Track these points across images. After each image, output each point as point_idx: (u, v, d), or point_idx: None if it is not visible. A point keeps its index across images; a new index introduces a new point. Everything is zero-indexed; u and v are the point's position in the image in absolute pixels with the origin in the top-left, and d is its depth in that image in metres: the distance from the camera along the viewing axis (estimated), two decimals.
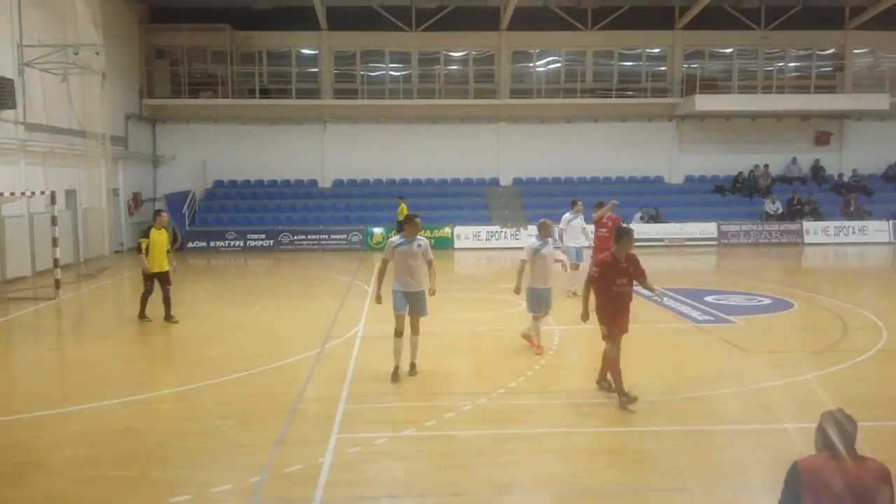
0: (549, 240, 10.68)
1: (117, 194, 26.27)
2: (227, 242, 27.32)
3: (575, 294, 14.66)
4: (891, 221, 28.22)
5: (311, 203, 29.86)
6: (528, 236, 27.39)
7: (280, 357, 10.64)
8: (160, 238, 13.60)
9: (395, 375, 9.31)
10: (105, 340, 12.65)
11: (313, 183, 30.86)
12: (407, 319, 9.40)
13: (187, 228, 27.83)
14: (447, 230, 26.92)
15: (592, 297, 8.35)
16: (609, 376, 8.46)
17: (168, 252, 13.79)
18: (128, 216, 27.26)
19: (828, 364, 9.97)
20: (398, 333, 9.30)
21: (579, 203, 15.97)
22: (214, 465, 6.76)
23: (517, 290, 10.63)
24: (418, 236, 9.40)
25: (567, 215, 15.75)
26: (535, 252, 10.52)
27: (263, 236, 27.51)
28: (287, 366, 10.28)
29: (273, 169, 30.47)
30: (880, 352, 10.67)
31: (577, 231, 15.74)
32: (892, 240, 27.80)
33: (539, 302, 10.71)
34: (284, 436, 7.42)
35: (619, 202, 16.01)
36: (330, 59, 30.82)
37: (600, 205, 14.90)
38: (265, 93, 30.55)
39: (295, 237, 27.53)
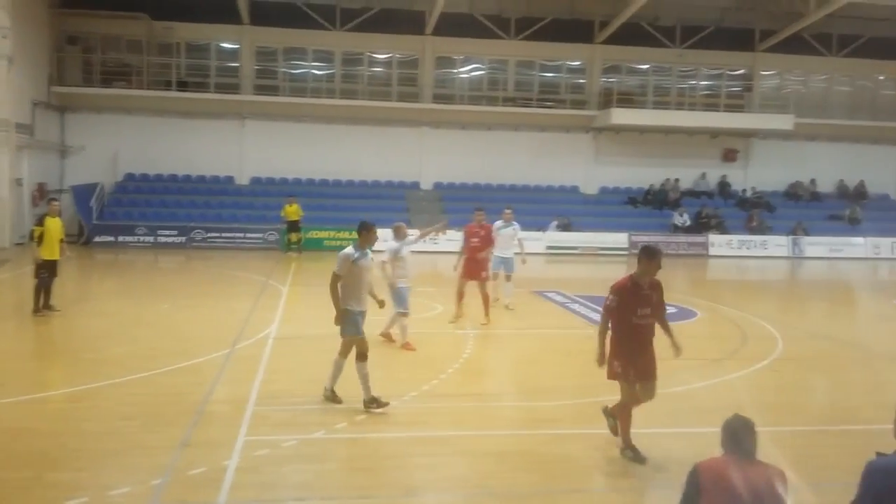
0: (405, 240, 11.33)
1: (21, 184, 25.09)
2: (136, 238, 26.46)
3: (508, 307, 14.48)
4: (790, 237, 29.68)
5: (227, 200, 29.23)
6: (448, 240, 27.65)
7: (188, 357, 10.37)
8: (54, 226, 13.27)
9: (379, 402, 8.13)
10: (1, 336, 12.06)
11: (230, 179, 30.22)
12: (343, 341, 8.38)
13: (94, 222, 26.81)
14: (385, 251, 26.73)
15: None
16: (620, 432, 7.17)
17: (62, 241, 13.43)
18: (31, 207, 26.01)
19: (727, 371, 10.39)
20: (364, 356, 8.19)
21: (508, 211, 14.97)
22: (114, 467, 6.53)
23: (391, 285, 11.08)
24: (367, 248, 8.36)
25: (497, 223, 14.66)
26: (395, 253, 11.08)
27: (175, 232, 26.76)
28: (195, 366, 10.03)
29: (188, 164, 29.65)
30: (775, 360, 11.18)
31: (507, 240, 14.65)
32: (790, 254, 29.23)
33: (404, 298, 11.10)
34: (189, 438, 7.24)
35: (448, 222, 15.39)
36: (251, 55, 30.28)
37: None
38: (182, 85, 29.76)
39: (209, 234, 26.89)
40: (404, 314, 11.17)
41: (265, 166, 30.19)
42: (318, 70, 31.09)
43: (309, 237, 26.62)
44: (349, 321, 8.13)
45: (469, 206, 29.18)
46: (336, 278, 8.08)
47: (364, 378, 8.13)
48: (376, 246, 8.82)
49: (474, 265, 13.37)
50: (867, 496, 4.09)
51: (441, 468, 6.75)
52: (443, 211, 29.64)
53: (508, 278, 14.69)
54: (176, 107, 29.19)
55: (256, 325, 12.83)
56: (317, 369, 10.14)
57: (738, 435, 4.20)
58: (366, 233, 8.30)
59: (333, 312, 8.10)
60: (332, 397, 8.36)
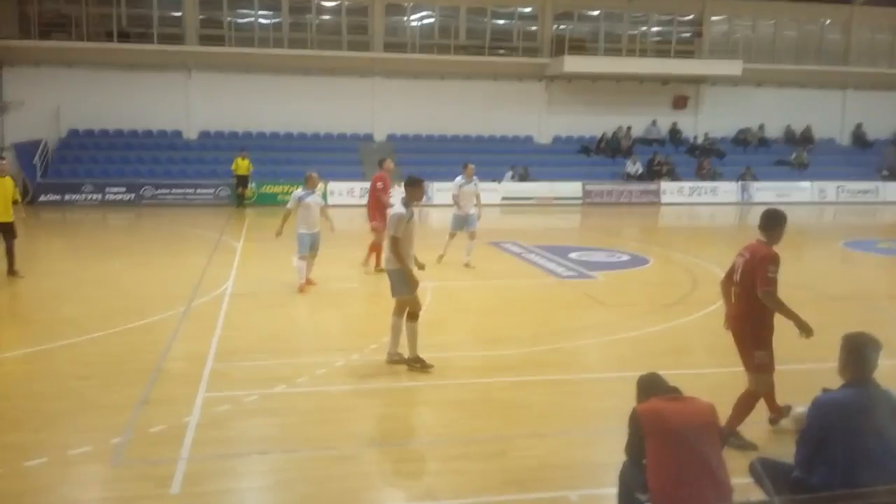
0: (314, 189, 11.91)
1: None
2: (83, 196, 25.78)
3: (468, 265, 14.08)
4: (739, 183, 30.24)
5: (176, 155, 28.57)
6: (402, 193, 27.54)
7: (143, 316, 10.24)
8: (4, 186, 12.70)
9: (424, 364, 8.03)
10: None
11: (178, 134, 29.49)
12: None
13: (39, 180, 26.01)
14: (320, 186, 26.47)
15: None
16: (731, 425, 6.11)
17: (15, 202, 12.95)
18: None
19: (677, 316, 10.66)
20: (416, 316, 8.16)
21: (471, 167, 14.55)
22: (72, 427, 6.49)
23: (278, 234, 11.71)
24: None
25: (459, 179, 14.40)
26: (299, 200, 11.64)
27: (124, 189, 26.14)
28: (151, 324, 9.93)
29: (134, 118, 28.77)
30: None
31: (469, 197, 14.34)
32: (740, 200, 29.82)
33: (304, 244, 11.72)
34: (148, 395, 7.21)
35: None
36: (195, 3, 29.29)
37: (382, 162, 14.09)
38: (124, 36, 28.73)
39: (158, 191, 26.34)
40: (301, 256, 11.83)
41: (214, 120, 29.50)
42: (264, 19, 30.28)
43: (262, 192, 26.30)
44: (404, 281, 8.02)
45: (424, 157, 29.49)
46: (396, 241, 7.92)
47: (413, 336, 8.05)
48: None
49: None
50: (814, 428, 4.32)
51: (402, 418, 6.87)
52: (397, 162, 29.45)
53: (472, 236, 14.34)
54: (118, 59, 28.20)
55: (211, 281, 12.70)
56: (275, 324, 10.19)
57: (653, 384, 4.48)
58: (412, 188, 8.18)
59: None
60: (399, 359, 8.15)
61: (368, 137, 30.62)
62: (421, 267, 8.30)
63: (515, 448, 6.19)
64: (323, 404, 7.19)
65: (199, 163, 28.11)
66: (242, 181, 25.74)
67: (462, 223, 14.29)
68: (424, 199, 11.18)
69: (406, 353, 8.16)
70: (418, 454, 6.23)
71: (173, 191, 26.47)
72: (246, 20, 30.14)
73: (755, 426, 6.31)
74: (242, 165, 25.57)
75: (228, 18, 29.77)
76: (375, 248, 13.38)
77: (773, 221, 6.40)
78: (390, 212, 8.08)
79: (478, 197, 14.48)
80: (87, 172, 26.70)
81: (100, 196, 25.87)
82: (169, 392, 7.39)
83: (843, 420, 4.22)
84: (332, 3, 30.81)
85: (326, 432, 6.46)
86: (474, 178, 14.50)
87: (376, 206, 13.41)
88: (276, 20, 30.24)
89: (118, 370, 7.99)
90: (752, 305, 6.19)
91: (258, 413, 6.89)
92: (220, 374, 7.89)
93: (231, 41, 29.56)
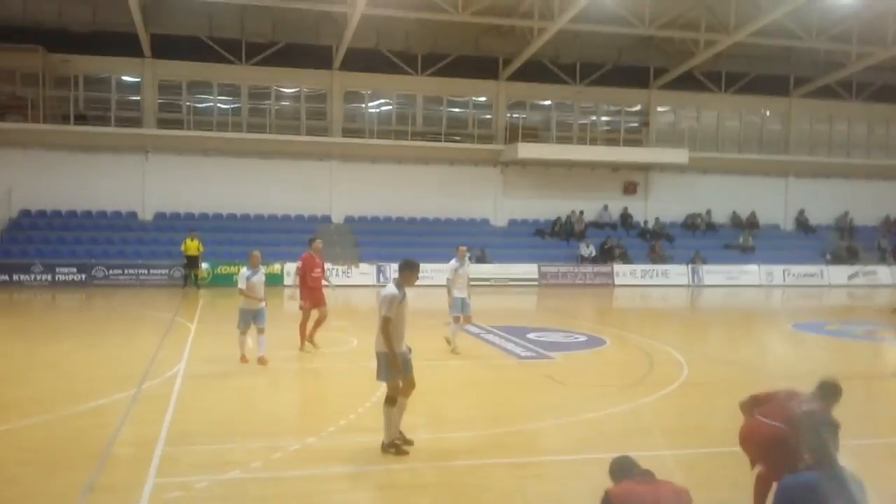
0: (258, 268, 12.61)
1: None
2: (32, 276, 25.23)
3: (455, 352, 13.67)
4: (689, 266, 30.96)
5: (130, 236, 28.27)
6: (360, 274, 27.55)
7: (91, 398, 9.89)
8: None
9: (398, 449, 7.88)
10: None
11: (132, 215, 29.25)
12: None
13: None
14: (277, 266, 26.37)
15: None
16: None
17: None
18: None
19: (637, 396, 10.68)
20: (394, 401, 7.94)
21: (462, 248, 14.29)
22: None
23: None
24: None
25: (453, 263, 13.99)
26: (247, 279, 12.39)
27: (75, 270, 25.66)
28: (99, 407, 9.59)
29: (89, 199, 28.57)
30: (682, 385, 11.59)
31: (465, 279, 14.07)
32: (690, 282, 30.46)
33: (246, 318, 12.40)
34: (94, 482, 6.90)
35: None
36: (154, 88, 29.57)
37: (311, 241, 14.20)
38: (81, 119, 28.75)
39: (111, 271, 25.92)
40: (242, 332, 12.51)
41: (170, 201, 29.39)
42: (223, 104, 30.63)
43: (217, 272, 26.04)
44: (387, 365, 7.85)
45: (382, 239, 29.68)
46: (387, 322, 7.76)
47: (388, 420, 7.88)
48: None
49: (319, 294, 13.78)
50: None
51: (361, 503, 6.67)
52: (355, 244, 29.57)
53: (468, 319, 14.19)
54: (75, 141, 28.14)
55: (163, 363, 12.39)
56: (229, 407, 9.93)
57: (626, 466, 4.46)
58: (407, 271, 8.04)
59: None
60: (398, 444, 7.92)
61: (326, 219, 30.75)
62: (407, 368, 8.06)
63: None
64: (277, 491, 6.96)
65: (153, 243, 27.82)
66: (192, 262, 25.55)
67: (461, 306, 13.90)
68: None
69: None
70: None
71: (126, 271, 26.08)
72: (205, 105, 30.45)
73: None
74: (192, 246, 25.44)
75: (187, 103, 30.04)
76: (302, 327, 13.64)
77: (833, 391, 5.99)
78: (383, 292, 7.98)
79: (468, 279, 14.26)
80: (38, 252, 26.19)
81: (50, 276, 25.35)
82: (116, 478, 7.09)
83: (811, 502, 4.25)
84: (291, 91, 31.36)
85: None
86: (466, 259, 14.32)
87: (302, 284, 13.72)
88: (236, 105, 30.61)
89: (63, 455, 7.66)
90: None
91: (210, 500, 6.63)
92: (171, 458, 7.62)
93: (189, 125, 29.76)
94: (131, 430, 8.68)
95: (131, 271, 26.15)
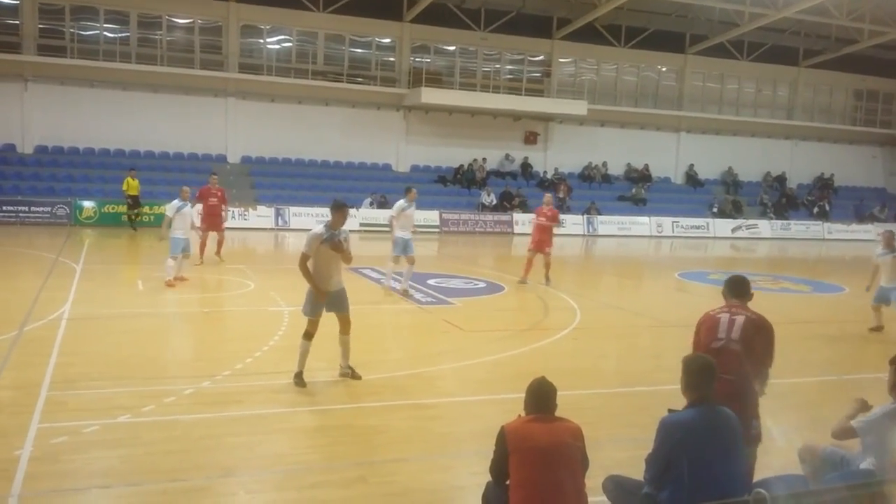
0: (187, 202, 14.28)
1: None
2: None
3: (406, 292, 13.96)
4: (585, 216, 31.79)
5: (9, 170, 26.52)
6: (257, 216, 26.93)
7: None
8: None
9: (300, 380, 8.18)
10: None
11: (11, 148, 27.38)
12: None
13: None
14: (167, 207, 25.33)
15: None
16: None
17: None
18: None
19: (532, 340, 10.97)
20: (310, 336, 8.25)
21: (414, 191, 14.67)
22: None
23: (162, 238, 14.21)
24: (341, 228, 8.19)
25: (401, 202, 14.44)
26: (177, 210, 13.93)
27: None
28: None
29: None
30: (575, 329, 11.97)
31: (410, 220, 14.52)
32: (585, 232, 31.32)
33: (177, 246, 13.96)
34: None
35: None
36: (34, 12, 27.48)
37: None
38: None
39: None
40: (173, 257, 14.01)
41: (53, 134, 27.67)
42: (110, 32, 28.81)
43: (105, 211, 24.89)
44: (309, 300, 8.22)
45: (280, 181, 28.97)
46: (304, 258, 8.05)
47: (304, 354, 8.22)
48: None
49: (215, 219, 17.14)
50: (663, 447, 4.53)
51: (258, 446, 6.59)
52: (252, 186, 28.78)
53: (412, 261, 14.32)
54: None
55: (46, 305, 11.78)
56: (119, 351, 9.57)
57: (539, 396, 4.54)
58: (335, 212, 8.11)
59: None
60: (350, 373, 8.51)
61: (221, 158, 29.73)
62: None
63: (376, 474, 6.09)
64: (171, 434, 6.77)
65: (35, 179, 26.27)
66: (135, 201, 24.34)
67: (405, 247, 14.20)
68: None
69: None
70: (275, 483, 5.99)
71: (5, 209, 24.50)
72: (90, 32, 28.57)
73: (615, 445, 6.55)
74: (134, 185, 24.20)
75: (71, 30, 28.10)
76: (202, 245, 16.56)
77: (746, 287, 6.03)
78: (309, 231, 8.17)
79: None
80: None
81: None
82: None
83: (688, 439, 4.45)
84: (184, 21, 29.79)
85: (174, 463, 6.09)
86: (414, 203, 14.65)
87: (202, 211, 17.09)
88: (124, 34, 28.86)
89: None
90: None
91: (99, 445, 6.40)
92: (56, 403, 7.29)
93: (73, 53, 27.91)
94: (12, 374, 8.25)
95: (10, 208, 24.58)
